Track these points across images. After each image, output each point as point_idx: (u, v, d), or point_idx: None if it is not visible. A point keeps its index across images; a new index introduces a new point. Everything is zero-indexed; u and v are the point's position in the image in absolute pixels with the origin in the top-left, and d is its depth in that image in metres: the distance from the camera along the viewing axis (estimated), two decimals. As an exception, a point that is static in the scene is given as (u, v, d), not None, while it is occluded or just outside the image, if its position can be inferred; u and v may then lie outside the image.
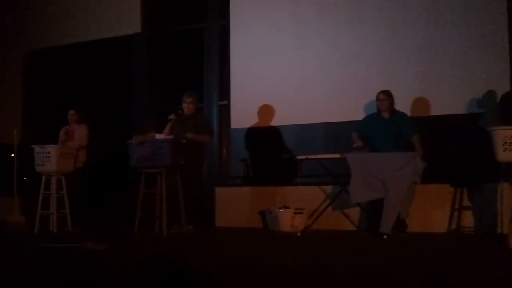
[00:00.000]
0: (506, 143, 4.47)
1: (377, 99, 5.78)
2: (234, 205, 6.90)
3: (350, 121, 6.38)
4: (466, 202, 5.84)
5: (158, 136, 5.93)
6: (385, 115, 5.77)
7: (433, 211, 5.94)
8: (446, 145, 6.01)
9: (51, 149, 6.40)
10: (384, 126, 5.73)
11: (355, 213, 6.24)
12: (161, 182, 5.86)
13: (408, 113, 5.98)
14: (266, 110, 6.98)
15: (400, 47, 6.35)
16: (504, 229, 5.16)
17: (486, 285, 3.18)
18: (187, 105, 6.24)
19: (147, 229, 5.90)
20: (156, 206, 5.94)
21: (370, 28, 6.52)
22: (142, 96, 7.91)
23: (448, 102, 6.00)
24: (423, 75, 6.18)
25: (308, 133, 6.69)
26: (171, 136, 5.96)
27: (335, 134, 6.43)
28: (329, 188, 6.36)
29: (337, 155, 5.72)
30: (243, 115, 7.06)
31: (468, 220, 5.82)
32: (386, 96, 5.74)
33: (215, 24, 7.51)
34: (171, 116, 6.15)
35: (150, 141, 5.87)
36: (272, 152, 6.94)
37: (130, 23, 7.92)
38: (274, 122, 6.95)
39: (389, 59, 6.40)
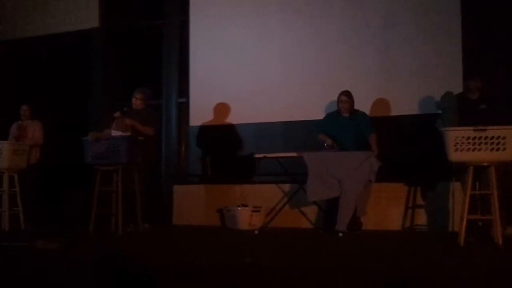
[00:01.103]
0: (457, 143, 4.59)
1: (339, 100, 5.83)
2: (192, 203, 6.87)
3: (309, 120, 6.46)
4: (419, 201, 5.98)
5: (114, 133, 5.84)
6: (345, 114, 5.86)
7: (388, 209, 6.05)
8: (401, 144, 6.14)
9: (3, 145, 6.22)
10: (344, 126, 5.80)
11: (312, 211, 6.30)
12: (117, 180, 5.77)
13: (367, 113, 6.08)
14: (224, 108, 6.96)
15: (360, 47, 6.43)
16: (455, 227, 5.29)
17: (437, 281, 3.26)
18: (135, 100, 6.16)
19: (102, 228, 5.80)
20: (112, 204, 5.85)
21: (332, 27, 6.58)
22: (100, 92, 7.77)
23: (404, 103, 6.12)
24: (382, 75, 6.28)
25: (267, 131, 6.72)
26: (129, 133, 5.87)
27: (293, 133, 6.47)
28: (286, 187, 6.41)
29: (294, 154, 5.76)
30: (202, 113, 7.03)
31: (422, 218, 5.96)
32: (347, 97, 5.81)
33: (175, 21, 7.44)
34: (117, 114, 6.05)
35: (106, 138, 5.77)
36: (230, 150, 6.93)
37: (88, 17, 7.76)
38: (233, 120, 6.94)
39: (349, 59, 6.47)
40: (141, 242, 5.30)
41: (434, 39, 6.12)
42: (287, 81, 6.72)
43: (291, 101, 6.63)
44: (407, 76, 6.20)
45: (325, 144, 5.74)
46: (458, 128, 4.67)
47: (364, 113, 5.91)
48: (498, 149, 4.52)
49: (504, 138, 4.50)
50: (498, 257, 4.20)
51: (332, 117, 5.92)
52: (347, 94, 5.82)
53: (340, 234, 5.40)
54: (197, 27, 7.22)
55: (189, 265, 3.80)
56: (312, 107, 6.47)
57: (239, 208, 6.34)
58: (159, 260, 3.96)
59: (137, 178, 5.87)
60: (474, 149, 4.56)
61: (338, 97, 5.84)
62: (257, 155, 6.11)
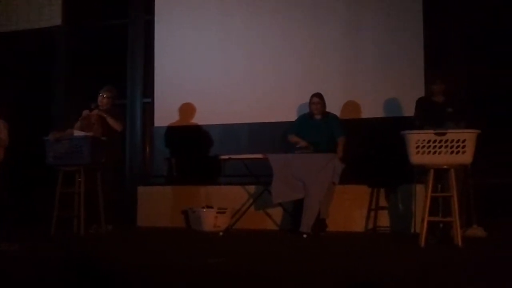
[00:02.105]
0: (418, 146, 4.67)
1: (311, 102, 5.86)
2: (156, 204, 6.80)
3: (275, 122, 6.50)
4: (382, 203, 6.06)
5: (76, 132, 5.74)
6: (318, 116, 5.89)
7: (352, 211, 6.11)
8: (364, 147, 6.21)
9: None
10: (317, 128, 5.83)
11: (277, 212, 6.31)
12: (79, 181, 5.67)
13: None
14: (189, 109, 6.93)
15: (326, 50, 6.49)
16: (417, 229, 5.37)
17: (397, 281, 3.31)
18: (102, 99, 6.06)
19: (64, 230, 5.70)
20: (74, 206, 5.75)
21: (298, 29, 6.61)
22: (62, 91, 7.62)
23: (369, 106, 6.19)
24: (347, 78, 6.35)
25: (233, 133, 6.71)
26: (91, 133, 5.79)
27: (259, 134, 6.48)
28: (252, 188, 6.40)
29: (260, 156, 5.77)
30: (167, 113, 6.97)
31: (384, 219, 6.03)
32: (319, 99, 5.85)
33: (140, 19, 7.37)
34: (85, 113, 5.95)
35: (68, 138, 5.67)
36: (196, 151, 6.90)
37: (51, 15, 7.61)
38: (199, 121, 6.91)
39: (315, 61, 6.52)
40: (104, 244, 5.22)
41: (398, 42, 6.22)
42: (253, 82, 6.73)
43: (256, 103, 6.64)
44: (371, 79, 6.28)
45: (298, 146, 5.75)
46: (419, 131, 4.75)
47: (335, 115, 5.97)
48: (458, 152, 4.61)
49: (464, 141, 4.59)
50: (456, 258, 4.29)
51: (305, 119, 5.95)
52: (319, 96, 5.86)
53: (305, 236, 5.43)
54: (162, 26, 7.16)
55: (152, 266, 3.76)
56: (278, 109, 6.50)
57: (204, 210, 6.31)
58: (121, 262, 3.91)
59: (100, 179, 5.79)
60: (435, 152, 4.64)
61: (310, 99, 5.87)
62: (222, 157, 6.09)
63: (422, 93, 5.73)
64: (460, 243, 4.64)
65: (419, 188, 5.56)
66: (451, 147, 4.61)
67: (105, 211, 5.82)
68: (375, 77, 6.25)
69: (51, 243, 5.24)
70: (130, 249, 4.87)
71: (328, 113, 5.92)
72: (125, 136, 7.05)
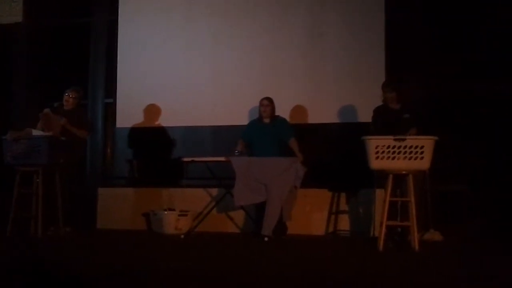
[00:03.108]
0: (378, 151, 4.75)
1: (261, 104, 5.92)
2: (117, 207, 6.70)
3: (238, 125, 6.49)
4: (343, 206, 6.14)
5: (35, 132, 5.61)
6: (266, 120, 5.94)
7: (313, 215, 6.16)
8: (327, 151, 6.29)
9: None
10: (265, 131, 5.88)
11: (239, 215, 6.31)
12: (38, 181, 5.56)
13: (292, 120, 6.18)
14: (152, 110, 6.87)
15: (288, 55, 6.55)
16: (376, 233, 5.46)
17: (352, 285, 3.36)
18: (69, 99, 5.97)
19: (21, 231, 5.57)
20: (32, 207, 5.63)
21: (260, 33, 6.65)
22: (22, 90, 7.45)
23: (330, 111, 6.27)
24: (308, 83, 6.42)
25: (196, 135, 6.68)
26: (50, 133, 5.67)
27: (222, 137, 6.47)
28: (214, 191, 6.38)
29: (222, 158, 5.77)
30: (129, 114, 6.90)
31: (345, 223, 6.11)
32: (269, 102, 5.92)
33: (103, 19, 7.29)
34: (46, 111, 5.84)
35: (26, 138, 5.55)
36: (158, 153, 6.84)
37: (11, 12, 7.44)
38: (162, 123, 6.86)
39: (278, 65, 6.57)
40: (61, 246, 5.12)
41: (359, 50, 6.34)
42: (217, 85, 6.73)
43: (220, 106, 6.66)
44: (334, 85, 6.37)
45: (236, 151, 5.77)
46: (379, 137, 4.83)
47: (284, 119, 6.03)
48: (416, 158, 4.71)
49: (422, 147, 4.69)
50: (412, 262, 4.38)
51: (254, 124, 6.00)
52: (268, 98, 5.93)
53: (266, 239, 5.45)
54: (126, 27, 7.09)
55: (110, 270, 3.71)
56: (242, 112, 6.51)
57: (166, 212, 6.27)
58: (78, 265, 3.85)
59: (58, 180, 5.68)
60: (394, 158, 4.73)
61: (260, 102, 5.93)
62: (185, 159, 6.06)
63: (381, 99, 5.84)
64: (417, 247, 4.73)
65: (378, 193, 5.66)
66: (410, 153, 4.70)
67: (63, 212, 5.72)
68: (337, 83, 6.34)
69: (7, 244, 5.10)
70: (88, 252, 4.78)
71: (277, 116, 5.97)
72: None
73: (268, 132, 5.87)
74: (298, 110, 6.42)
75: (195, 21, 6.89)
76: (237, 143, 5.88)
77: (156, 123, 6.89)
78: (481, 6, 6.18)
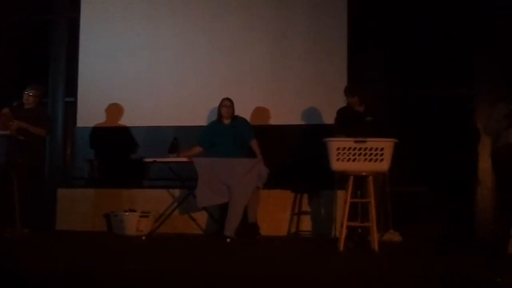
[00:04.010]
0: (339, 153, 4.80)
1: (222, 105, 5.90)
2: (77, 208, 6.60)
3: (201, 126, 6.47)
4: (305, 207, 6.18)
5: (-9, 131, 5.47)
6: (227, 121, 5.93)
7: (276, 216, 6.19)
8: (289, 153, 6.32)
9: None
10: (226, 132, 5.87)
11: (202, 216, 6.29)
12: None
13: (255, 122, 6.19)
14: (114, 109, 6.78)
15: (253, 55, 6.56)
16: (337, 233, 5.52)
17: (312, 284, 3.38)
18: (29, 97, 5.85)
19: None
20: (-13, 208, 5.49)
21: (223, 35, 6.65)
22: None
23: (292, 113, 6.30)
24: (269, 85, 6.45)
25: (158, 135, 6.61)
26: (8, 132, 5.54)
27: (185, 138, 6.40)
28: (177, 192, 6.35)
29: (185, 159, 5.74)
30: (90, 113, 6.80)
31: (307, 224, 6.16)
32: (231, 103, 5.91)
33: (64, 16, 7.16)
34: (5, 110, 5.70)
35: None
36: (119, 153, 6.75)
37: (-33, 7, 7.24)
38: (123, 122, 6.78)
39: (241, 67, 6.58)
40: (18, 248, 5.00)
41: (323, 53, 6.41)
42: (180, 85, 6.69)
43: (182, 106, 6.62)
44: (297, 86, 6.41)
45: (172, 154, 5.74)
46: (340, 138, 4.89)
47: (244, 119, 6.02)
48: (376, 160, 4.78)
49: (382, 149, 4.76)
50: (371, 262, 4.44)
51: (214, 125, 5.98)
52: (229, 99, 5.92)
53: (228, 240, 5.44)
54: (88, 24, 6.99)
55: (67, 272, 3.64)
56: (204, 112, 6.50)
57: (127, 213, 6.20)
58: (35, 266, 3.76)
59: (16, 180, 5.55)
60: (354, 159, 4.79)
61: (221, 102, 5.91)
62: (147, 159, 6.00)
63: (344, 102, 5.91)
64: (376, 248, 4.80)
65: (339, 194, 5.73)
66: (370, 154, 4.77)
67: (21, 213, 5.59)
68: (300, 85, 6.38)
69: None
70: (46, 253, 4.68)
71: (237, 116, 5.96)
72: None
73: (229, 132, 5.86)
74: (261, 111, 6.45)
75: (157, 21, 6.84)
76: (191, 149, 5.83)
77: (118, 122, 6.80)
78: (439, 13, 6.33)
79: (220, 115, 5.93)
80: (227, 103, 5.90)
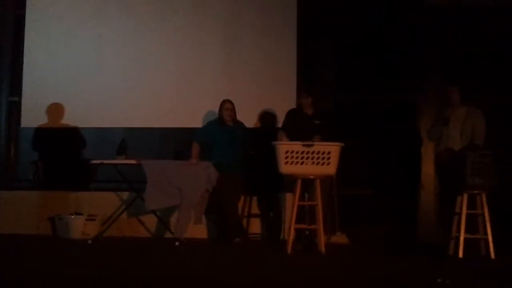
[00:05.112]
0: (288, 156, 4.85)
1: (224, 108, 5.76)
2: (20, 210, 6.38)
3: (150, 128, 6.45)
4: (255, 210, 6.21)
5: None
6: (229, 123, 5.82)
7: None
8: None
9: None
10: (230, 135, 5.77)
11: (150, 220, 6.21)
12: None
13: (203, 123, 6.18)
14: (60, 109, 6.62)
15: (205, 58, 6.54)
16: (286, 236, 5.57)
17: (259, 286, 3.40)
18: None
19: None
20: None
21: (177, 34, 6.60)
22: None
23: (242, 115, 6.28)
24: (221, 87, 6.45)
25: (106, 137, 6.49)
26: None
27: (134, 140, 6.32)
28: (125, 194, 6.25)
29: (133, 161, 5.66)
30: (35, 113, 6.60)
31: (256, 227, 6.18)
32: (232, 106, 5.79)
33: (9, 14, 6.93)
34: None
35: None
36: (65, 155, 6.59)
37: None
38: (70, 123, 6.62)
39: (193, 68, 6.55)
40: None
41: (273, 57, 6.46)
42: (129, 85, 6.59)
43: (132, 107, 6.53)
44: (245, 89, 6.43)
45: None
46: (288, 142, 4.94)
47: (244, 125, 5.96)
48: (323, 163, 4.85)
49: (329, 153, 4.85)
50: (317, 264, 4.51)
51: (214, 126, 5.84)
52: (231, 102, 5.81)
53: (177, 243, 5.41)
54: (34, 22, 6.79)
55: (7, 277, 3.53)
56: (154, 114, 6.45)
57: (72, 216, 6.06)
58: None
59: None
60: (302, 163, 4.85)
61: (222, 105, 5.78)
62: (94, 161, 5.88)
63: (294, 105, 5.98)
64: (323, 250, 4.87)
65: (288, 197, 5.79)
66: (317, 158, 4.84)
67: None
68: (251, 88, 6.40)
69: None
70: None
71: (238, 120, 5.91)
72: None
73: (233, 135, 5.77)
74: (213, 114, 6.43)
75: (106, 19, 6.72)
76: (193, 154, 5.69)
77: (65, 123, 6.63)
78: (388, 20, 6.49)
79: (221, 117, 5.79)
80: (228, 106, 5.78)
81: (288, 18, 6.46)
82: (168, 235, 5.89)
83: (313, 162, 4.83)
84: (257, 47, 6.51)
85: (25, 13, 6.82)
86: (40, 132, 6.62)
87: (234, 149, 5.75)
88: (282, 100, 6.12)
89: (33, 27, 6.81)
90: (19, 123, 6.76)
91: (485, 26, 6.20)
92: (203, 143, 5.79)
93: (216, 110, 5.88)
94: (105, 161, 5.79)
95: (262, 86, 6.43)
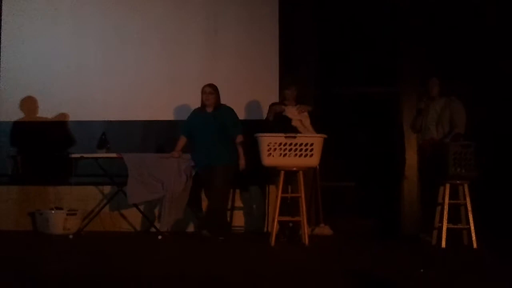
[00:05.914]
0: (270, 148, 4.83)
1: (203, 92, 5.47)
2: (0, 206, 6.31)
3: (132, 121, 6.37)
4: (238, 203, 6.18)
5: None
6: (209, 109, 5.52)
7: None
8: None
9: None
10: (205, 121, 5.46)
11: (133, 214, 6.15)
12: None
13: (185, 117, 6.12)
14: (39, 103, 6.50)
15: (186, 50, 6.46)
16: (269, 228, 5.56)
17: (243, 279, 3.38)
18: None
19: None
20: None
21: (158, 26, 6.51)
22: None
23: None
24: (201, 80, 6.37)
25: (87, 130, 6.39)
26: None
27: (115, 133, 6.24)
28: (106, 188, 6.19)
29: (114, 155, 5.59)
30: (13, 107, 6.46)
31: (239, 219, 6.16)
32: (212, 89, 5.47)
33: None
34: None
35: None
36: (45, 149, 6.48)
37: None
38: (49, 117, 6.51)
39: (174, 61, 6.47)
40: None
41: (255, 49, 6.40)
42: (108, 78, 6.48)
43: (112, 100, 6.42)
44: (230, 81, 6.36)
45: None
46: (271, 134, 4.91)
47: (229, 109, 5.52)
48: (306, 155, 4.84)
49: (312, 145, 4.83)
50: (301, 255, 4.51)
51: (196, 113, 5.59)
52: (211, 85, 5.49)
53: (160, 237, 5.38)
54: (11, 16, 6.65)
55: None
56: (134, 107, 6.38)
57: (53, 211, 5.98)
58: None
59: None
60: (285, 155, 4.83)
61: (203, 89, 5.49)
62: (74, 155, 5.79)
63: (277, 98, 5.96)
64: (307, 242, 4.87)
65: (271, 189, 5.77)
66: (300, 150, 4.83)
67: None
68: (231, 81, 6.33)
69: None
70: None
71: (221, 105, 5.50)
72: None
73: (210, 122, 5.42)
74: (193, 107, 6.37)
75: (85, 10, 6.60)
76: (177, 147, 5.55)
77: (44, 117, 6.52)
78: (371, 14, 6.49)
79: (202, 103, 5.53)
80: (206, 90, 5.43)
81: (270, 9, 6.41)
82: (152, 229, 5.83)
83: (296, 154, 4.82)
84: (237, 39, 6.45)
85: (1, 6, 6.69)
86: (18, 126, 6.51)
87: (218, 137, 5.40)
88: (266, 93, 6.08)
89: (9, 20, 6.67)
90: (-3, 117, 6.64)
91: (467, 17, 6.22)
92: (190, 135, 5.58)
93: (198, 102, 5.82)
94: (85, 155, 5.72)
95: (243, 79, 6.37)
